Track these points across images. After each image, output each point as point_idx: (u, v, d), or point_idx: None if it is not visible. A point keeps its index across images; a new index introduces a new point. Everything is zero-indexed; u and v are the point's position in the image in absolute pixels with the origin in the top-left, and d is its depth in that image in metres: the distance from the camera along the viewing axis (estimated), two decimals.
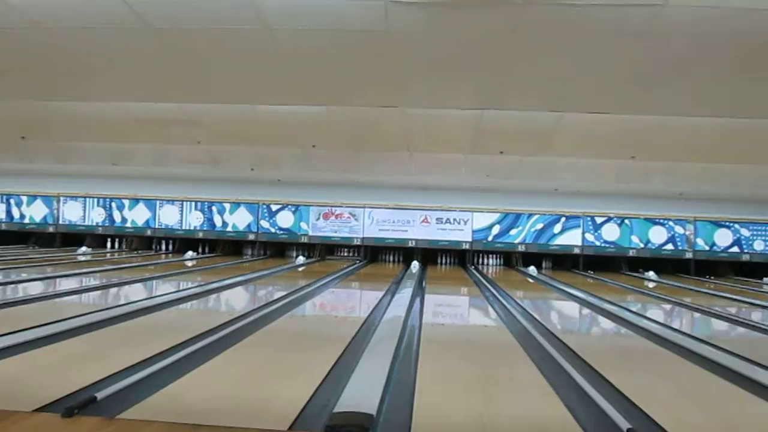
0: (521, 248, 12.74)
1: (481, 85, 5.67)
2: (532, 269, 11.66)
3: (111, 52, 5.07)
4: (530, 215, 12.76)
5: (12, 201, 13.50)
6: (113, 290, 6.81)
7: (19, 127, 8.43)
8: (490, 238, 12.78)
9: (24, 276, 7.63)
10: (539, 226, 12.73)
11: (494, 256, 13.17)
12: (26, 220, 13.49)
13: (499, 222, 12.78)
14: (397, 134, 7.80)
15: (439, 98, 6.11)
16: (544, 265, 12.96)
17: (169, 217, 13.27)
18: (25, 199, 13.50)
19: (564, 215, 12.73)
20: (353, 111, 6.76)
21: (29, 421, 2.21)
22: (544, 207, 12.75)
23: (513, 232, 12.76)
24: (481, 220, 12.79)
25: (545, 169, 9.82)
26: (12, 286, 6.78)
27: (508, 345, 4.22)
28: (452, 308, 6.98)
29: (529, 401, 2.84)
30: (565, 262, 12.84)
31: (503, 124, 7.02)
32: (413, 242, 12.79)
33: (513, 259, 13.02)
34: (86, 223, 13.41)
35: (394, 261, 13.10)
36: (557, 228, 12.73)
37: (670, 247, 12.59)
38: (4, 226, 13.52)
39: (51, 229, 13.44)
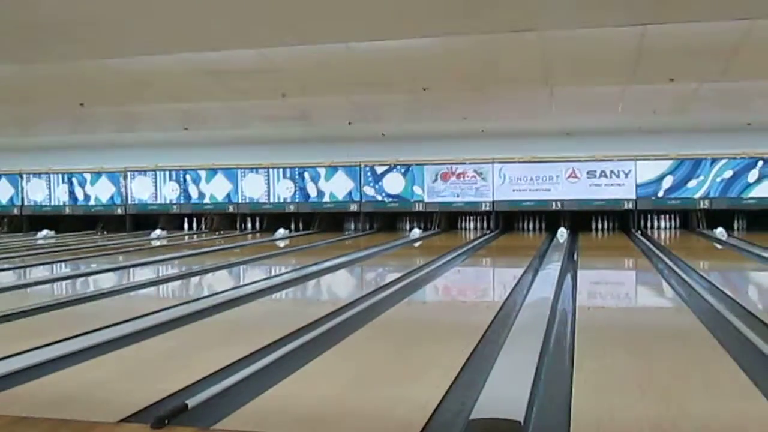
0: (704, 204, 12.26)
1: None
2: (720, 231, 11.21)
3: None
4: (714, 160, 12.22)
5: (75, 180, 14.47)
6: (195, 279, 7.20)
7: (76, 92, 8.98)
8: (660, 194, 12.38)
9: (94, 267, 8.22)
10: (727, 174, 12.18)
11: (667, 216, 12.77)
12: (92, 202, 14.43)
13: (671, 172, 12.34)
14: (531, 66, 7.67)
15: (586, 14, 5.93)
16: (736, 225, 12.41)
17: (253, 188, 13.77)
18: (89, 177, 14.43)
19: (762, 158, 12.09)
20: (474, 40, 6.70)
21: None
22: (733, 148, 12.18)
23: (692, 184, 12.28)
24: (648, 171, 12.40)
25: (732, 97, 9.43)
26: (82, 279, 7.33)
27: (691, 331, 4.11)
28: (614, 286, 6.86)
29: (725, 404, 2.76)
30: (765, 220, 12.24)
31: (672, 42, 6.76)
32: (558, 204, 12.60)
33: (693, 219, 12.57)
34: (159, 202, 14.17)
35: (534, 229, 12.98)
36: (753, 176, 12.13)
37: None
38: (68, 210, 14.53)
39: (120, 211, 14.31)
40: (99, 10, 5.77)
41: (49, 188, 14.66)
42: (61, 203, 14.58)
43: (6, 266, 8.26)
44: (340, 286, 6.95)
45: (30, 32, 6.30)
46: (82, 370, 3.28)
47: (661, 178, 12.39)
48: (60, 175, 14.62)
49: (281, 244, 11.33)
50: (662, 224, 12.81)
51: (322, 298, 6.19)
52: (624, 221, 12.76)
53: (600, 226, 12.90)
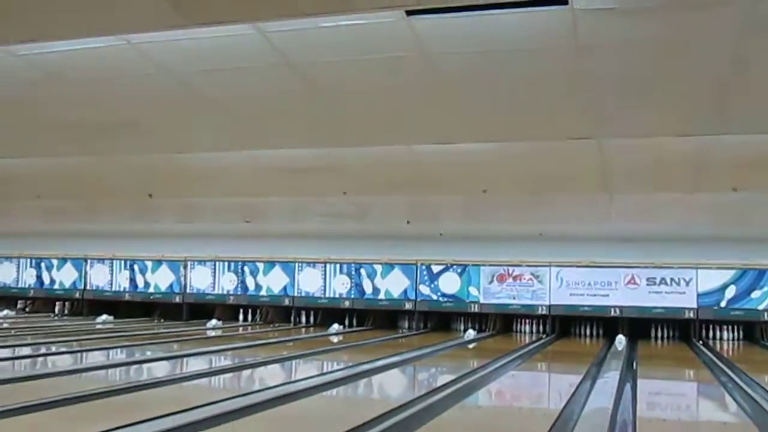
0: None
1: (702, 105, 5.49)
2: None
3: (248, 93, 5.49)
4: None
5: (136, 267, 14.76)
6: (247, 373, 7.19)
7: (146, 184, 9.29)
8: (723, 304, 12.05)
9: (149, 354, 8.29)
10: None
11: (730, 327, 12.37)
12: (151, 289, 14.66)
13: (735, 281, 12.03)
14: (590, 172, 7.68)
15: (646, 124, 5.97)
16: None
17: (309, 282, 13.83)
18: (149, 264, 14.71)
19: None
20: (532, 145, 6.77)
21: None
22: None
23: (756, 294, 11.94)
24: (710, 280, 12.11)
25: None
26: (136, 366, 7.39)
27: None
28: (676, 398, 6.65)
29: None
30: None
31: (736, 152, 6.72)
32: (617, 310, 12.35)
33: (758, 330, 12.16)
34: (216, 292, 14.31)
35: (591, 335, 12.70)
36: None
37: None
38: (128, 297, 14.78)
39: (177, 299, 14.48)
40: (168, 108, 6.03)
41: (111, 274, 14.97)
42: (122, 289, 14.85)
43: (63, 350, 8.40)
44: (392, 386, 6.86)
45: (104, 129, 6.60)
46: None
47: (724, 287, 12.08)
48: (122, 262, 14.93)
49: (334, 339, 11.30)
50: (725, 335, 12.41)
51: (374, 398, 6.12)
52: (685, 330, 12.41)
53: (660, 334, 12.56)
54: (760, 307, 11.92)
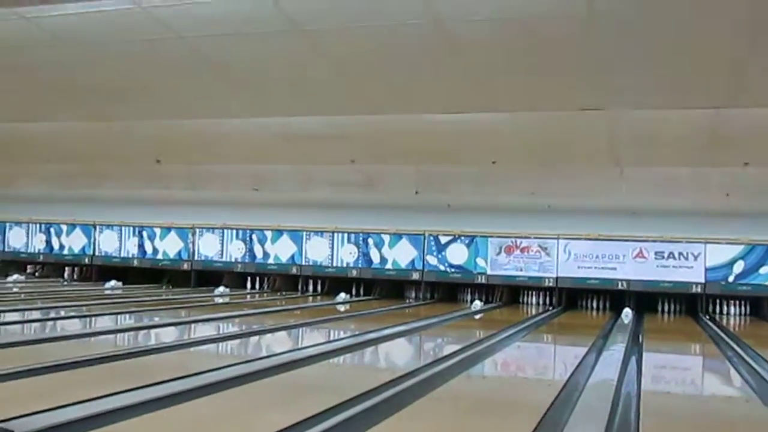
0: None
1: (718, 78, 5.42)
2: None
3: (257, 60, 5.46)
4: None
5: (145, 234, 14.81)
6: (254, 339, 7.23)
7: (154, 150, 9.28)
8: (730, 279, 12.02)
9: (157, 320, 8.33)
10: None
11: (737, 302, 12.35)
12: (159, 256, 14.71)
13: (743, 257, 11.99)
14: (601, 144, 7.64)
15: (658, 96, 5.91)
16: None
17: (317, 251, 13.85)
18: (158, 231, 14.75)
19: None
20: (543, 116, 6.72)
21: None
22: None
23: (764, 270, 11.90)
24: (718, 255, 12.07)
25: None
26: (144, 332, 7.43)
27: (762, 423, 3.98)
28: (681, 372, 6.66)
29: None
30: None
31: (748, 126, 6.65)
32: (624, 283, 12.33)
33: (765, 306, 12.14)
34: (224, 259, 14.36)
35: (598, 308, 12.71)
36: None
37: None
38: (136, 263, 14.84)
39: (186, 266, 14.54)
40: (178, 73, 5.99)
41: (120, 240, 15.03)
42: (130, 255, 14.91)
43: (73, 314, 8.44)
44: (399, 354, 6.88)
45: (113, 93, 6.57)
46: (134, 426, 3.29)
47: (732, 262, 12.04)
48: (131, 228, 14.97)
49: (342, 308, 11.33)
50: (732, 310, 12.39)
51: (381, 366, 6.14)
52: (691, 305, 12.39)
53: (666, 308, 12.55)
54: None
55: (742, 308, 12.38)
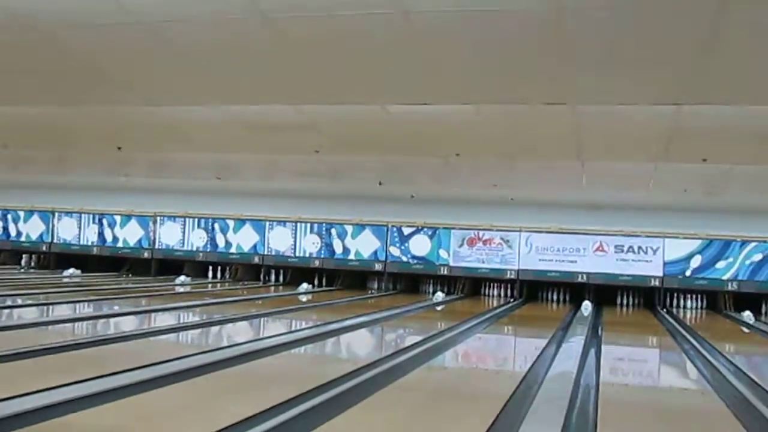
0: (732, 286, 12.06)
1: (681, 74, 5.48)
2: (747, 315, 11.01)
3: (218, 46, 5.39)
4: (744, 243, 12.06)
5: (105, 221, 14.61)
6: (215, 329, 7.17)
7: (115, 137, 9.14)
8: (688, 273, 12.21)
9: (116, 309, 8.23)
10: (757, 257, 11.99)
11: (694, 296, 12.56)
12: (120, 244, 14.54)
13: (700, 251, 12.19)
14: (564, 139, 7.69)
15: (620, 92, 5.96)
16: (765, 309, 12.18)
17: (279, 241, 13.80)
18: (119, 219, 14.57)
19: None
20: (507, 109, 6.75)
21: None
22: (764, 232, 12.02)
23: (720, 265, 12.11)
24: (676, 249, 12.25)
25: (764, 180, 9.35)
26: (103, 320, 7.33)
27: (716, 415, 4.04)
28: (639, 364, 6.75)
29: None
30: None
31: (708, 123, 6.74)
32: (584, 276, 12.47)
33: (721, 300, 12.35)
34: (185, 248, 14.23)
35: (558, 300, 12.84)
36: None
37: None
38: (96, 251, 14.64)
39: (146, 255, 14.39)
40: (139, 58, 5.90)
41: (79, 228, 14.81)
42: (90, 243, 14.70)
43: (30, 302, 8.30)
44: (360, 345, 6.89)
45: (71, 76, 6.45)
46: (94, 415, 3.26)
47: (690, 257, 12.24)
48: (91, 216, 14.77)
49: (303, 298, 11.30)
50: (689, 304, 12.60)
51: (342, 357, 6.14)
52: (650, 298, 12.58)
53: (625, 301, 12.72)
54: (724, 277, 12.10)
55: (699, 302, 12.59)
